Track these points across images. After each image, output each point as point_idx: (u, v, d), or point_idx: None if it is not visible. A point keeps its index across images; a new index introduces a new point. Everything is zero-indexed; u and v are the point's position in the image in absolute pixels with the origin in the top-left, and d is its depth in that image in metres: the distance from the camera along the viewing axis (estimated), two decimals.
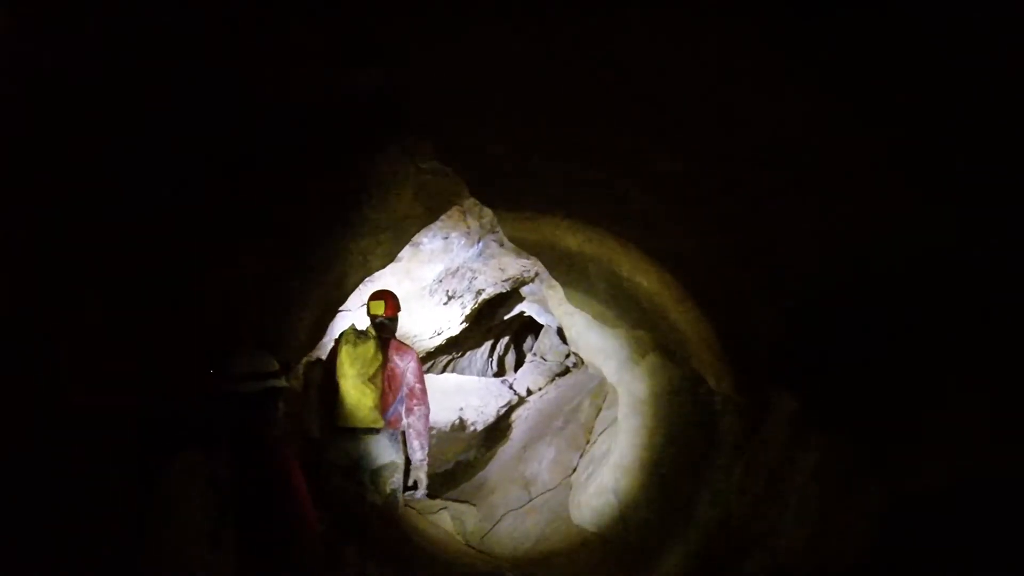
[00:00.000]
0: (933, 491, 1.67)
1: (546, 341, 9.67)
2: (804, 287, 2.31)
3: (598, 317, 4.04)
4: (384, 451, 3.65)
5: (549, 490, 4.80)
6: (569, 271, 3.82)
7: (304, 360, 4.01)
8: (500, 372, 10.01)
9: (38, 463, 1.66)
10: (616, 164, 2.60)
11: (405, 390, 3.78)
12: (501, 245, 5.00)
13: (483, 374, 9.57)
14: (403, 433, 3.87)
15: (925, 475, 1.73)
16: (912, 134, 1.66)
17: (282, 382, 2.62)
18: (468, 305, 6.26)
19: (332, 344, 3.81)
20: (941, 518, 1.60)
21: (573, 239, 3.45)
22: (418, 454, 3.88)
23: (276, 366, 2.60)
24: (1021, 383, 1.56)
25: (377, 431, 3.63)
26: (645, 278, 3.27)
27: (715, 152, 2.21)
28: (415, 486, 3.86)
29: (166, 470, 2.17)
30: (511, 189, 3.10)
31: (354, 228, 3.14)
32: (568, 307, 4.40)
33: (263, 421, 2.46)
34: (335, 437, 3.66)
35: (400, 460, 3.73)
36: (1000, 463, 1.54)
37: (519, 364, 10.21)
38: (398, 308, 3.89)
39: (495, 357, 10.02)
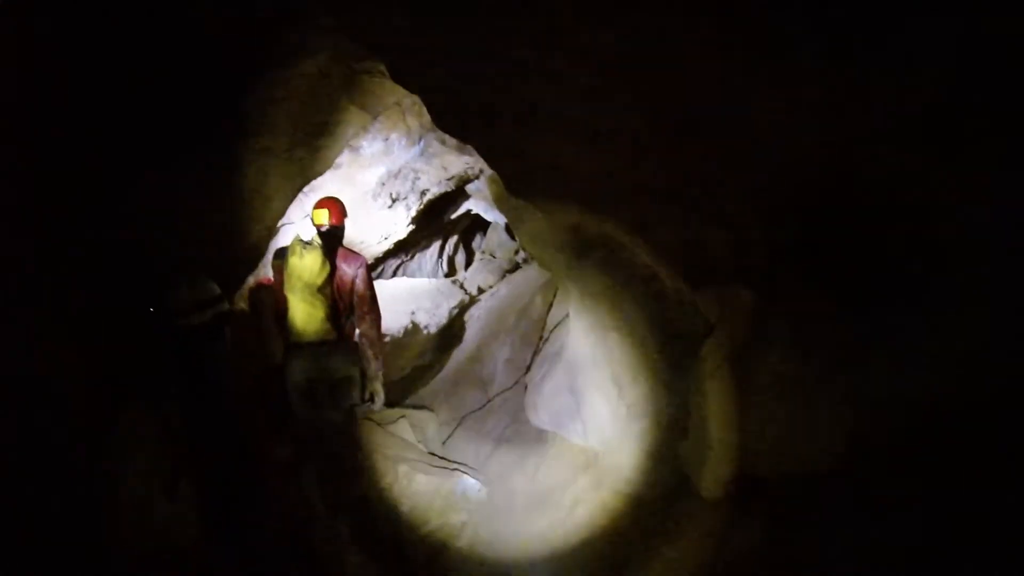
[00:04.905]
0: (904, 390, 1.67)
1: (494, 238, 9.56)
2: (765, 174, 2.22)
3: (544, 211, 3.88)
4: (341, 365, 3.56)
5: (507, 389, 4.83)
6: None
7: (252, 281, 3.84)
8: (451, 272, 9.89)
9: None
10: None
11: (356, 298, 3.66)
12: (443, 143, 4.80)
13: (434, 276, 9.44)
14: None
15: (895, 372, 1.72)
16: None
17: (226, 306, 2.51)
18: (413, 207, 6.10)
19: (276, 260, 3.62)
20: (912, 418, 1.60)
21: None
22: (373, 364, 3.80)
23: (217, 291, 2.46)
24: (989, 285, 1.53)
25: (332, 343, 3.53)
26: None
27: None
28: (371, 398, 3.80)
29: (112, 429, 2.05)
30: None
31: (285, 136, 2.89)
32: (514, 201, 4.20)
33: (214, 355, 2.33)
34: (292, 356, 3.55)
35: (357, 374, 3.65)
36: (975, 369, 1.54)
37: (469, 263, 10.12)
38: (344, 215, 3.70)
39: (444, 257, 9.87)
